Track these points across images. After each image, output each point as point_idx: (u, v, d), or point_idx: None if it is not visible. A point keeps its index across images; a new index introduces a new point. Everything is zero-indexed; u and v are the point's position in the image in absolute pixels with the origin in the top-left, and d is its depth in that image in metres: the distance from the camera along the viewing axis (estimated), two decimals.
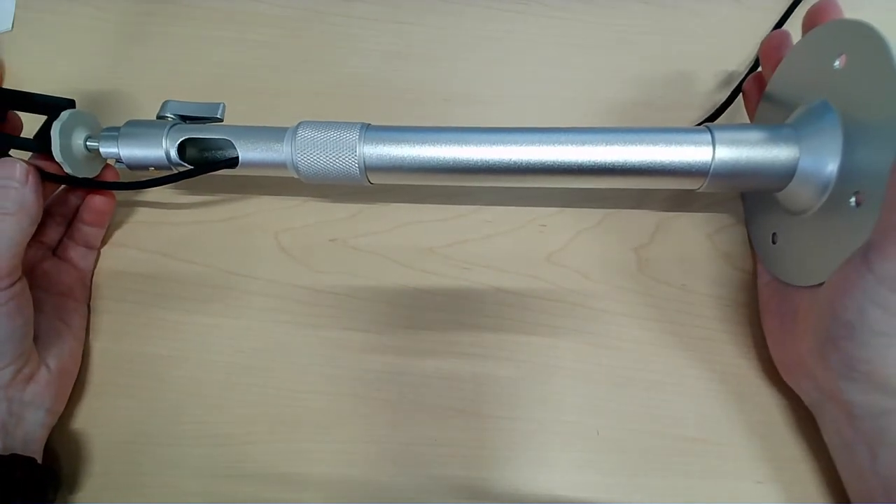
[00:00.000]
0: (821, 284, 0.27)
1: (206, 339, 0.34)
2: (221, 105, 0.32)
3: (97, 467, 0.32)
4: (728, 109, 0.37)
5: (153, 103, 0.39)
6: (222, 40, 0.41)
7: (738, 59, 0.40)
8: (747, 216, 0.36)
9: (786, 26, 0.40)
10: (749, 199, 0.36)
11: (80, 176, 0.32)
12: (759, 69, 0.36)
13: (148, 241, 0.37)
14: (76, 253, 0.35)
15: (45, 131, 0.31)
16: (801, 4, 0.40)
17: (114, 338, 0.35)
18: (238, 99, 0.40)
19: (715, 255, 0.35)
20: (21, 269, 0.29)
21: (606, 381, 0.33)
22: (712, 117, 0.37)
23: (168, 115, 0.32)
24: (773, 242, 0.32)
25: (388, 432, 0.32)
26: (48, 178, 0.31)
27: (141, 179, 0.33)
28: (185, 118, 0.32)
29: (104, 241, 0.37)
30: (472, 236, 0.36)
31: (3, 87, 0.32)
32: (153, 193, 0.37)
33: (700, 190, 0.30)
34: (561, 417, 0.32)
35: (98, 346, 0.35)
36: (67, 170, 0.31)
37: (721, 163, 0.29)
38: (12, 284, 0.28)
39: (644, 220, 0.36)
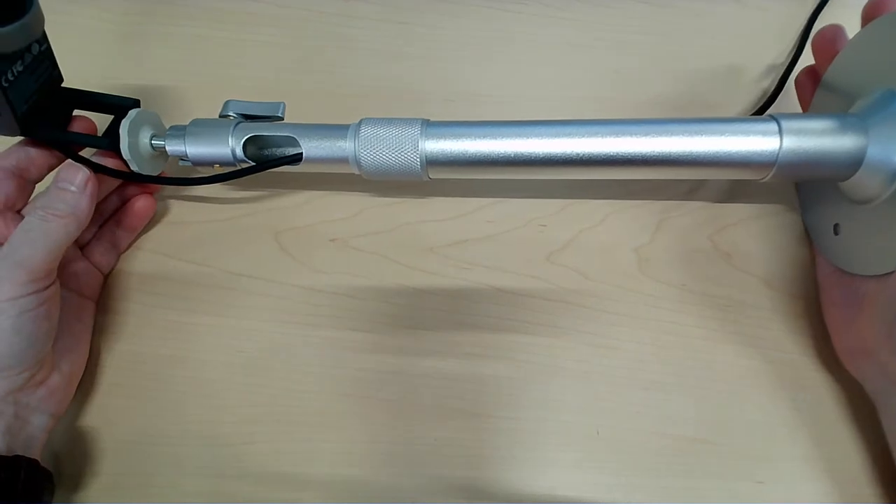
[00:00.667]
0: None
1: (206, 339, 0.34)
2: (282, 104, 0.33)
3: (97, 467, 0.32)
4: (737, 106, 0.37)
5: (154, 103, 0.39)
6: (222, 40, 0.41)
7: (737, 58, 0.40)
8: (803, 207, 0.35)
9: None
10: (805, 190, 0.35)
11: (145, 173, 0.33)
12: (796, 64, 0.36)
13: (149, 240, 0.37)
14: (102, 255, 0.35)
15: (113, 130, 0.32)
16: (828, 4, 0.40)
17: (114, 337, 0.35)
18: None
19: (715, 255, 0.35)
20: (56, 272, 0.29)
21: (606, 381, 0.33)
22: (761, 110, 0.37)
23: (230, 113, 0.32)
24: (836, 233, 0.32)
25: (388, 432, 0.32)
26: (116, 175, 0.32)
27: (204, 175, 0.33)
28: (247, 117, 0.33)
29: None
30: (472, 236, 0.36)
31: (71, 87, 0.32)
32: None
33: (764, 180, 0.30)
34: (561, 417, 0.32)
35: (98, 346, 0.35)
36: (134, 167, 0.32)
37: (788, 152, 0.29)
38: (47, 287, 0.28)
39: (644, 219, 0.36)
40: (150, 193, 0.36)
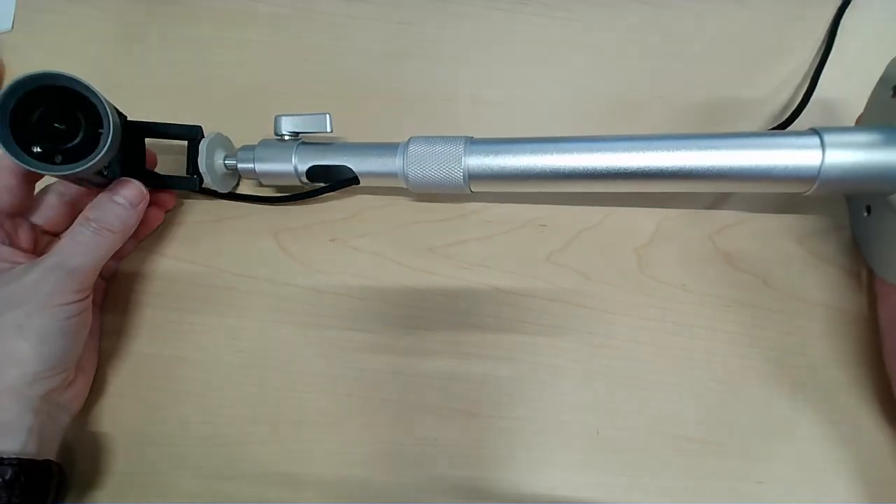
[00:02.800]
0: None
1: (206, 339, 0.35)
2: (327, 116, 0.35)
3: (96, 467, 0.32)
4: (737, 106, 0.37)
5: (154, 104, 0.39)
6: (222, 40, 0.41)
7: (738, 59, 0.40)
8: (852, 217, 0.35)
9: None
10: (855, 201, 0.34)
11: (223, 191, 0.36)
12: (823, 68, 0.36)
13: (148, 241, 0.37)
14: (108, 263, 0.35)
15: (193, 162, 0.34)
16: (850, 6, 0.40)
17: (114, 338, 0.35)
18: (238, 99, 0.40)
19: (715, 255, 0.35)
20: None
21: (606, 381, 0.33)
22: (791, 117, 0.36)
23: (284, 131, 0.35)
24: (884, 244, 0.31)
25: (388, 432, 0.32)
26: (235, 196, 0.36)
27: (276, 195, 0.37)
28: (297, 133, 0.35)
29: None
30: (472, 236, 0.36)
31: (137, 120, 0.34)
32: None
33: (807, 194, 0.30)
34: (561, 417, 0.32)
35: (98, 346, 0.34)
36: (213, 187, 0.35)
37: (831, 167, 0.28)
38: (88, 296, 0.30)
39: (644, 220, 0.36)
40: (163, 209, 0.36)
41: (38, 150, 0.27)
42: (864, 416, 0.31)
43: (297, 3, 0.42)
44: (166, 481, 0.32)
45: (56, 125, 0.28)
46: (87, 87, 0.28)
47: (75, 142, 0.28)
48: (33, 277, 0.28)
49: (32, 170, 0.27)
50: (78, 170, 0.27)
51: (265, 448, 0.32)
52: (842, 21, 0.39)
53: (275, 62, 0.41)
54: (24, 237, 0.31)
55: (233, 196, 0.37)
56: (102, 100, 0.28)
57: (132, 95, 0.39)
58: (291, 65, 0.41)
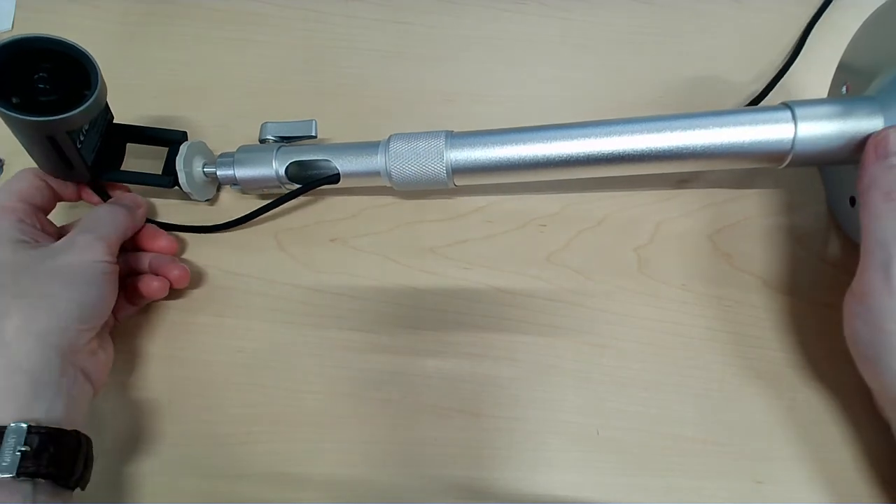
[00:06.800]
0: None
1: (206, 339, 0.34)
2: (313, 122, 0.35)
3: (97, 466, 0.32)
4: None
5: (154, 103, 0.39)
6: (222, 40, 0.41)
7: (737, 58, 0.40)
8: (825, 181, 0.36)
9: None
10: (828, 169, 0.35)
11: (202, 199, 0.37)
12: (791, 66, 0.38)
13: None
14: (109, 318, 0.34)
15: (170, 165, 0.34)
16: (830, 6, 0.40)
17: (113, 337, 0.35)
18: (238, 99, 0.40)
19: (715, 255, 0.35)
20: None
21: (606, 381, 0.33)
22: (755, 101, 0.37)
23: (269, 136, 0.35)
24: (852, 206, 0.32)
25: (388, 432, 0.32)
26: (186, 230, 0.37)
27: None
28: (283, 138, 0.35)
29: None
30: (472, 236, 0.36)
31: (120, 122, 0.35)
32: (152, 194, 0.37)
33: (782, 167, 0.31)
34: (561, 417, 0.32)
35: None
36: (194, 197, 0.35)
37: (803, 139, 0.29)
38: (116, 264, 0.31)
39: (644, 219, 0.36)
40: (171, 283, 0.34)
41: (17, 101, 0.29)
42: (865, 417, 0.31)
43: (297, 3, 0.42)
44: (167, 481, 0.32)
45: (42, 86, 0.30)
46: (76, 49, 0.30)
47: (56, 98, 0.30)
48: (64, 243, 0.30)
49: (14, 115, 0.28)
50: (57, 118, 0.29)
51: (265, 448, 0.32)
52: (817, 24, 0.39)
53: (274, 62, 0.41)
54: (50, 230, 0.33)
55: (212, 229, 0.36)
56: (90, 57, 0.30)
57: (132, 95, 0.39)
58: (291, 65, 0.41)
